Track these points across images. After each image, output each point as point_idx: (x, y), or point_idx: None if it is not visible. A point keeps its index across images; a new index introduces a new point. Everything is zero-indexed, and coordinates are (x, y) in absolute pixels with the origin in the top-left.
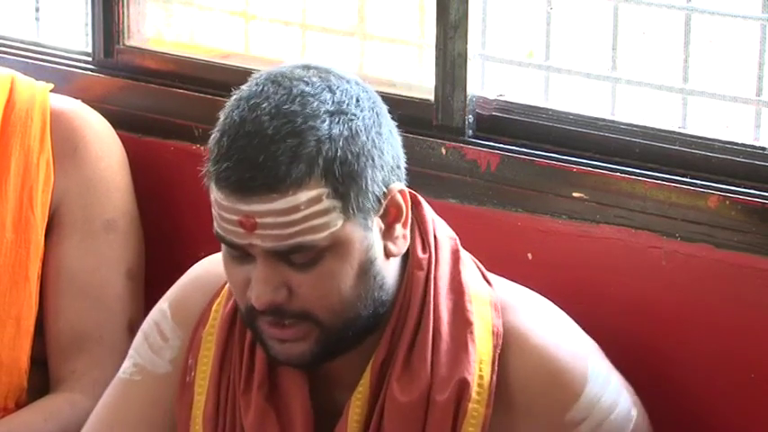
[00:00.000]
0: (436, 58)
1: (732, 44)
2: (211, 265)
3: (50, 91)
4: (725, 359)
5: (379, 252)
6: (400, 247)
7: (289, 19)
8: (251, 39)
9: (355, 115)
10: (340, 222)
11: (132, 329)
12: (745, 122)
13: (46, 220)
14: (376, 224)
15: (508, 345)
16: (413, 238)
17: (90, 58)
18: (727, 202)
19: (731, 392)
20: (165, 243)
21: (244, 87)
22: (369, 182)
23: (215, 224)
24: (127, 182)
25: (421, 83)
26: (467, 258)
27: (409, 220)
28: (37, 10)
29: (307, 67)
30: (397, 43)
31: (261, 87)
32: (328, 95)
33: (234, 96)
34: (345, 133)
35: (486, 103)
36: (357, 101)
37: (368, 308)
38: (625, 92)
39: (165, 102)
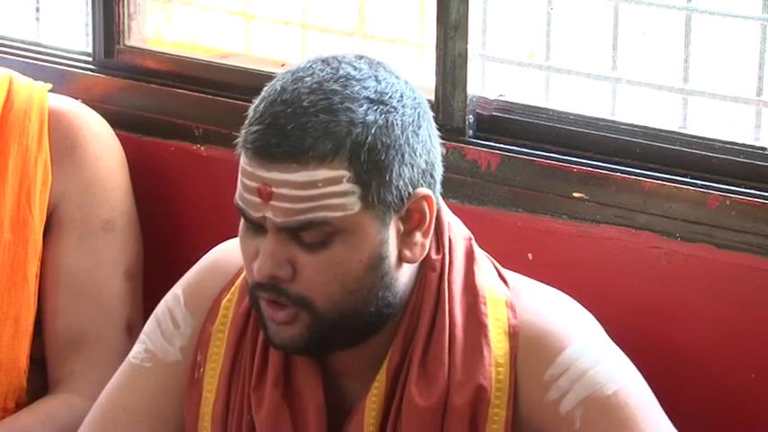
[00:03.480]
0: (437, 58)
1: (732, 44)
2: (227, 252)
3: (50, 91)
4: (725, 359)
5: (392, 252)
6: (416, 254)
7: (289, 19)
8: (251, 39)
9: (395, 108)
10: (357, 208)
11: (130, 330)
12: (746, 123)
13: (44, 219)
14: (395, 223)
15: None
16: None
17: (90, 58)
18: (728, 203)
19: (732, 392)
20: (164, 243)
21: (296, 64)
22: (394, 176)
23: (236, 194)
24: (125, 182)
25: (421, 83)
26: (482, 258)
27: (431, 231)
28: (37, 10)
29: (360, 56)
30: (398, 43)
31: (310, 64)
32: (372, 83)
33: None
34: (380, 122)
35: (487, 103)
36: (401, 96)
37: (369, 305)
38: (625, 92)
39: (165, 102)
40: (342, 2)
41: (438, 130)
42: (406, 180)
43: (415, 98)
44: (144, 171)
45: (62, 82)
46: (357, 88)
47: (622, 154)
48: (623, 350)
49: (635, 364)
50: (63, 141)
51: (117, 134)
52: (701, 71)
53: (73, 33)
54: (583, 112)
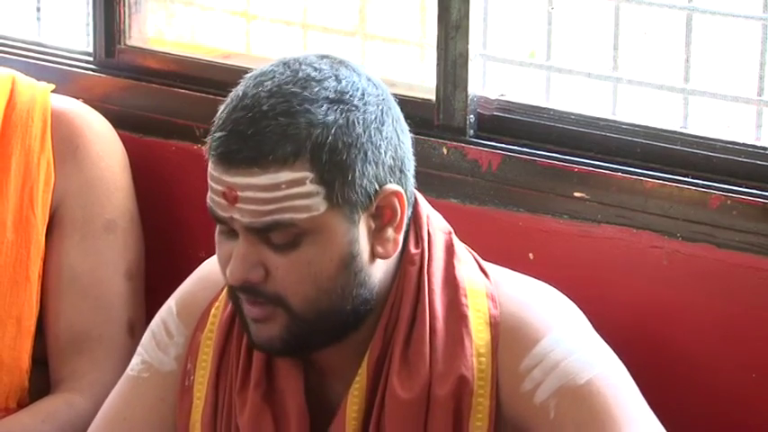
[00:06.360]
0: (437, 57)
1: (733, 44)
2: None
3: (51, 91)
4: (726, 359)
5: (364, 249)
6: (388, 250)
7: (290, 19)
8: (252, 39)
9: (356, 107)
10: (323, 208)
11: (132, 330)
12: (747, 122)
13: (46, 220)
14: (364, 221)
15: None
16: (406, 234)
17: (91, 58)
18: (729, 202)
19: (733, 392)
20: (165, 243)
21: (259, 68)
22: (357, 175)
23: (207, 196)
24: (127, 182)
25: (422, 83)
26: (462, 251)
27: (404, 226)
28: (38, 10)
29: (322, 57)
30: (399, 43)
31: (271, 68)
32: (333, 83)
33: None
34: (340, 122)
35: (488, 102)
36: (362, 94)
37: (346, 303)
38: (626, 92)
39: (166, 102)
40: (343, 2)
41: (439, 129)
42: (371, 178)
43: (379, 95)
44: (145, 171)
45: (63, 82)
46: (317, 89)
47: (623, 154)
48: (624, 349)
49: (635, 364)
50: (66, 141)
51: (118, 134)
52: (702, 71)
53: (74, 33)
54: (584, 112)
